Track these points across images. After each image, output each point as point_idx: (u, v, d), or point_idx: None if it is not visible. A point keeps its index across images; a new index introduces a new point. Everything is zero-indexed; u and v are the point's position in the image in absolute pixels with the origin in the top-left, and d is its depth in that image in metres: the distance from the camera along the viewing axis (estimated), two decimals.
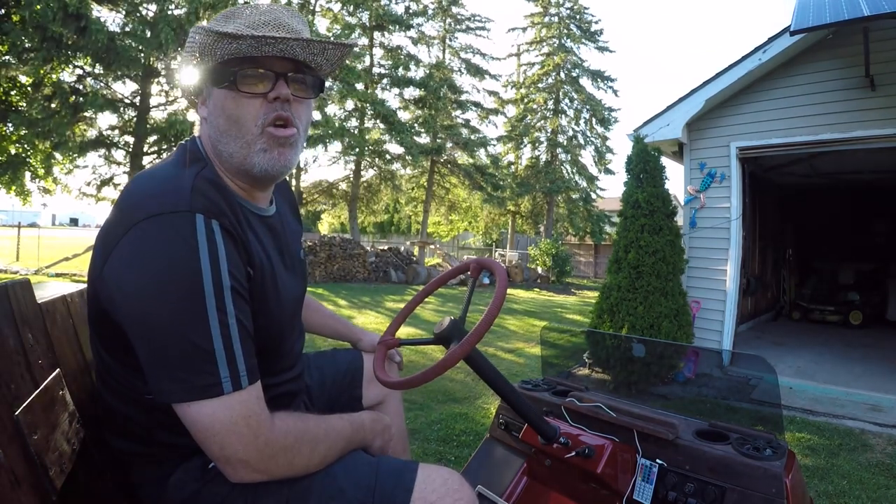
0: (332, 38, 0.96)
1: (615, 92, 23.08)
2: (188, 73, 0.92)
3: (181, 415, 0.77)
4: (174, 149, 0.96)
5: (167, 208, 0.77)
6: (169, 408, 0.78)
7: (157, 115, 12.37)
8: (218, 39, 0.84)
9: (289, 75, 0.89)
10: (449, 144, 20.15)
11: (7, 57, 9.71)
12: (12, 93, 10.99)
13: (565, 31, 22.15)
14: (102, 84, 11.62)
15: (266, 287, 0.90)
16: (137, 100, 12.05)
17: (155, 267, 0.75)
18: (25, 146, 10.86)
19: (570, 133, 22.42)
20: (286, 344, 1.02)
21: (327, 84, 1.02)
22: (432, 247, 20.30)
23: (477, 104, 21.48)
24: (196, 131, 0.98)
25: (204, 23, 0.90)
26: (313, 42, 0.88)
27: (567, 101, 22.36)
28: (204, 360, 0.75)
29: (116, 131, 12.33)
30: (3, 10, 9.40)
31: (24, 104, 10.71)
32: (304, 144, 0.99)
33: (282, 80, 0.88)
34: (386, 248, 17.03)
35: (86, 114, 11.14)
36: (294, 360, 1.07)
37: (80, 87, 11.24)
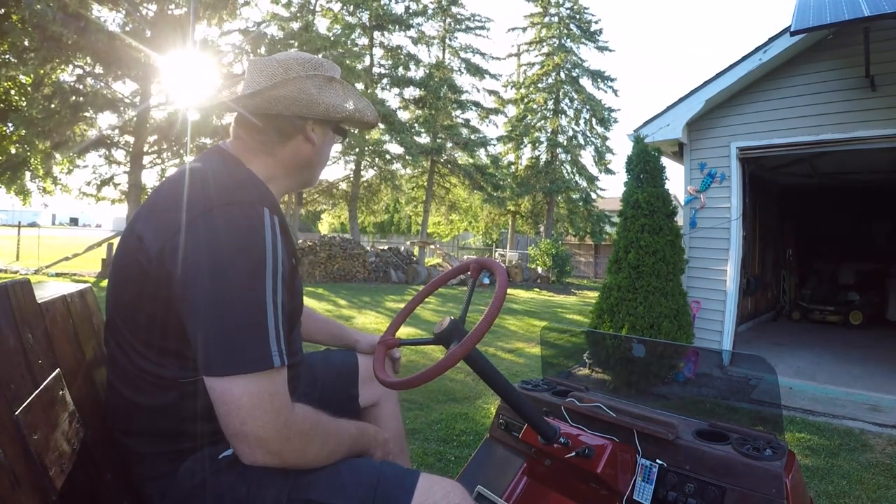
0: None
1: (615, 92, 23.09)
2: (327, 103, 1.01)
3: (212, 387, 0.81)
4: (211, 148, 1.05)
5: (241, 198, 0.87)
6: (194, 393, 0.84)
7: (157, 115, 12.38)
8: (373, 115, 1.07)
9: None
10: (449, 144, 20.15)
11: (7, 57, 9.71)
12: (12, 93, 10.99)
13: (565, 31, 22.13)
14: (102, 84, 11.62)
15: (296, 276, 1.00)
16: (137, 100, 12.05)
17: (229, 248, 0.82)
18: (25, 146, 10.86)
19: (570, 133, 22.41)
20: (297, 326, 1.10)
21: None
22: (432, 247, 20.30)
23: (477, 104, 21.47)
24: (241, 135, 1.05)
25: (350, 105, 1.07)
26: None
27: (567, 101, 22.36)
28: (259, 332, 0.81)
29: (116, 131, 12.33)
30: (3, 10, 9.39)
31: (24, 104, 10.70)
32: None
33: None
34: (386, 248, 17.04)
35: (86, 114, 11.14)
36: (299, 344, 1.13)
37: (80, 87, 11.24)
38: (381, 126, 17.97)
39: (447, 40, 20.96)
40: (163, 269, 0.85)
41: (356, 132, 16.98)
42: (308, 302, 1.35)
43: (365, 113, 1.06)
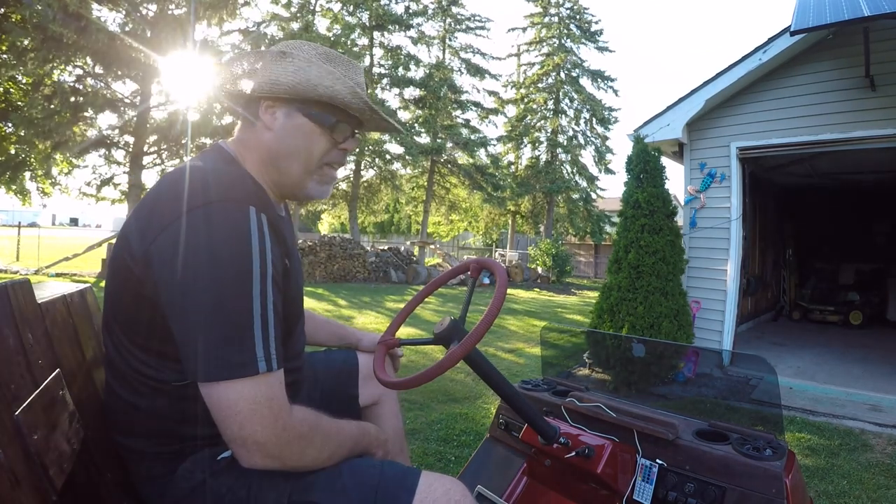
0: (392, 122, 1.10)
1: (615, 92, 23.08)
2: (268, 77, 0.93)
3: (207, 394, 0.79)
4: (208, 147, 1.02)
5: (225, 197, 0.83)
6: (193, 396, 0.81)
7: (157, 115, 12.38)
8: (349, 92, 0.94)
9: (356, 133, 1.05)
10: (449, 144, 20.15)
11: (7, 56, 9.70)
12: (12, 93, 10.98)
13: (565, 31, 22.14)
14: (102, 84, 11.61)
15: (291, 277, 0.97)
16: (137, 100, 12.04)
17: (211, 249, 0.79)
18: (25, 146, 10.85)
19: (570, 133, 22.43)
20: (297, 329, 1.08)
21: None
22: (432, 247, 20.29)
23: (477, 104, 21.48)
24: (237, 132, 1.02)
25: (313, 52, 0.98)
26: (392, 125, 1.09)
27: (567, 101, 22.37)
28: (244, 339, 0.78)
29: (116, 131, 12.32)
30: (3, 10, 9.39)
31: (24, 104, 10.70)
32: None
33: (355, 137, 1.03)
34: (386, 248, 17.03)
35: (86, 114, 11.13)
36: (301, 347, 1.12)
37: (80, 87, 11.23)
38: None
39: (447, 40, 20.97)
40: (147, 272, 0.83)
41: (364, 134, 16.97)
42: (308, 302, 1.35)
43: (336, 90, 0.93)
